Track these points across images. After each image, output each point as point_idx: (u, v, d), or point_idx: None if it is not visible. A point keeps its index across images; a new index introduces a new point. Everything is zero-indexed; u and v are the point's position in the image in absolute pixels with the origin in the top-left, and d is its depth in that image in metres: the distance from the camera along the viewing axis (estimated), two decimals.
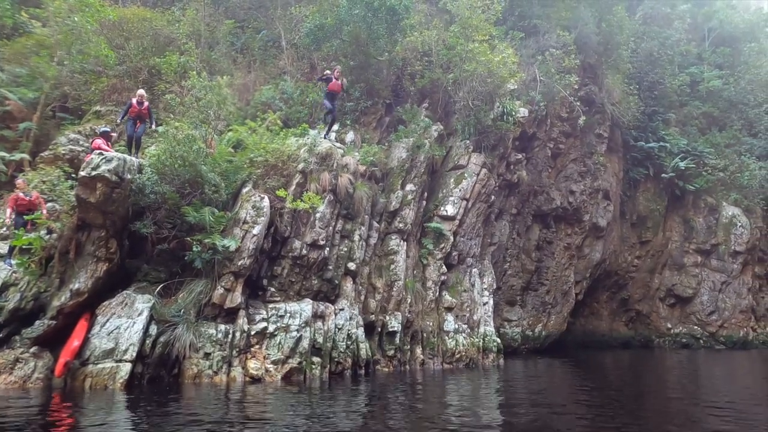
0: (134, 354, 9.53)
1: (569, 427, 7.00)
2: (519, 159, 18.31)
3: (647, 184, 25.35)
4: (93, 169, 9.74)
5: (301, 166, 12.56)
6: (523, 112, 18.20)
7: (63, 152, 13.26)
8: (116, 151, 10.82)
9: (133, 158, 10.39)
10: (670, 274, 24.99)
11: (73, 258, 10.02)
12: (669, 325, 23.95)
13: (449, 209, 15.65)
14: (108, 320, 9.63)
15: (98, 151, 10.02)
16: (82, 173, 9.69)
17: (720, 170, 28.12)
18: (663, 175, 25.90)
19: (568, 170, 20.32)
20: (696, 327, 25.34)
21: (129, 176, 9.99)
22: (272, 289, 11.84)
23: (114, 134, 11.85)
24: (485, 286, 16.24)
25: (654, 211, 25.11)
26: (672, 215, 26.05)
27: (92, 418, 6.91)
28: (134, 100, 11.74)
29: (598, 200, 21.39)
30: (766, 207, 28.25)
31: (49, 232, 10.49)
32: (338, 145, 13.50)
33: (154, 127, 11.83)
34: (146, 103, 11.79)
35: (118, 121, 12.15)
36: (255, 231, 11.36)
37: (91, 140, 12.16)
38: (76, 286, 9.85)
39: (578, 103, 20.94)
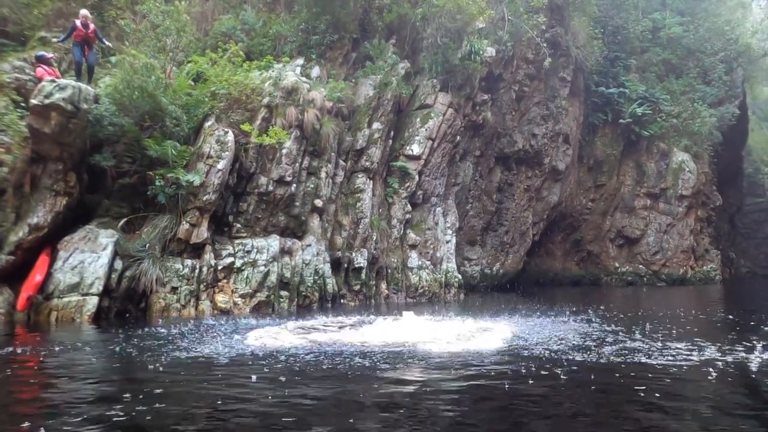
0: (100, 288, 9.48)
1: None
2: (485, 100, 18.40)
3: (605, 130, 26.06)
4: (45, 97, 9.22)
5: (266, 100, 12.27)
6: (491, 51, 18.12)
7: (8, 80, 12.35)
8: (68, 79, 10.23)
9: (89, 87, 9.86)
10: (621, 217, 26.25)
11: (29, 192, 9.65)
12: (617, 264, 25.43)
13: (415, 148, 15.74)
14: (71, 255, 9.45)
15: (50, 78, 9.46)
16: (34, 101, 9.17)
17: (674, 117, 29.08)
18: (620, 120, 26.58)
19: (531, 113, 20.61)
20: (641, 266, 26.98)
21: (85, 106, 9.52)
22: (238, 225, 11.83)
23: (51, 56, 10.90)
24: (448, 225, 16.70)
25: (610, 156, 26.00)
26: (626, 160, 27.03)
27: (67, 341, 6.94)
28: (78, 22, 10.81)
29: (559, 144, 21.93)
30: (713, 153, 29.78)
31: (0, 164, 10.00)
32: (304, 79, 13.18)
33: (107, 43, 11.14)
34: (92, 26, 10.99)
35: (57, 42, 11.27)
36: (220, 166, 11.18)
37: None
38: (35, 220, 9.55)
39: (545, 45, 21.01)
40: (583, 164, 23.85)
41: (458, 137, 17.15)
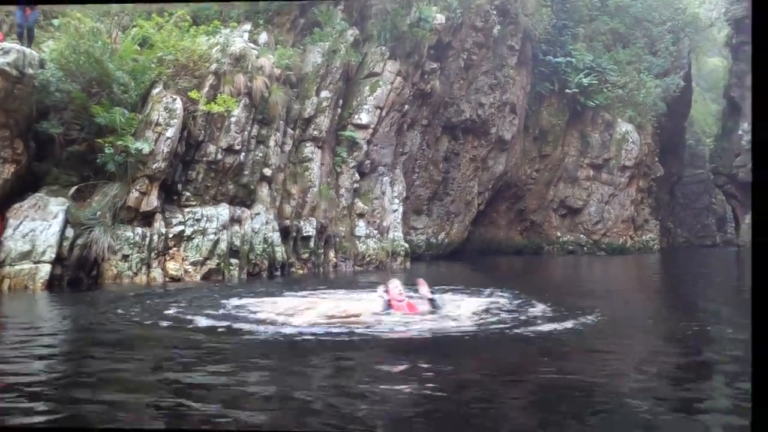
0: (53, 256, 10.32)
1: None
2: (434, 68, 19.81)
3: (551, 99, 28.17)
4: None
5: (213, 67, 13.10)
6: (440, 18, 19.47)
7: None
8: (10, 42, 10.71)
9: (33, 51, 10.42)
10: (564, 187, 28.74)
11: None
12: (559, 234, 28.02)
13: (363, 117, 17.01)
14: (21, 223, 10.20)
15: None
16: None
17: (619, 87, 31.61)
18: (567, 90, 28.74)
19: (478, 82, 22.24)
20: (582, 235, 29.76)
21: (31, 71, 10.13)
22: (188, 194, 12.80)
23: None
24: (395, 195, 18.22)
25: (555, 126, 28.23)
26: (571, 130, 29.38)
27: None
28: None
29: (505, 114, 23.78)
30: (656, 124, 32.59)
31: None
32: (252, 46, 14.05)
33: None
34: None
35: None
36: (168, 134, 12.04)
37: None
38: None
39: (494, 12, 22.56)
40: (529, 134, 25.92)
41: (406, 106, 18.54)
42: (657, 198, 36.10)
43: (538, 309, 7.88)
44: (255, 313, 7.46)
